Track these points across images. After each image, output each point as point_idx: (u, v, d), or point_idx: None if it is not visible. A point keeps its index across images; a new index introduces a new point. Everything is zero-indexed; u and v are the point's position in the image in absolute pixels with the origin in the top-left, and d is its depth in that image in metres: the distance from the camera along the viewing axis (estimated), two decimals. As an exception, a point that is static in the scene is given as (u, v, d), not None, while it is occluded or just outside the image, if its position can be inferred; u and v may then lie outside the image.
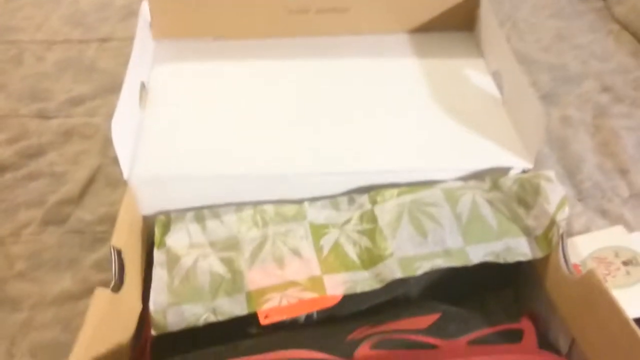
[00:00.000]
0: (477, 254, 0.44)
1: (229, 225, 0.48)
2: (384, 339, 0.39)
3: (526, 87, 0.51)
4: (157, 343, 0.44)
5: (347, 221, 0.48)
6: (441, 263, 0.44)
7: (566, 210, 0.45)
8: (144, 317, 0.44)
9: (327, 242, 0.47)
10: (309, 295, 0.43)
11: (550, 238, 0.45)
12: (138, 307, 0.44)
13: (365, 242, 0.46)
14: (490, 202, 0.47)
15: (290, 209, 0.49)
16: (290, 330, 0.42)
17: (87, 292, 0.56)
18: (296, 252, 0.46)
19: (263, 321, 0.41)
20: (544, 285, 0.46)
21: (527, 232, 0.46)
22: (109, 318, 0.38)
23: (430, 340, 0.40)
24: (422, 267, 0.44)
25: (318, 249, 0.46)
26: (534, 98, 0.50)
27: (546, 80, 0.81)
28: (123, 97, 0.47)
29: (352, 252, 0.46)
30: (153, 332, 0.42)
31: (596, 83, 0.81)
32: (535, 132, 0.50)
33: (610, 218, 0.63)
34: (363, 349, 0.38)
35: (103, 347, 0.38)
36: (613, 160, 0.70)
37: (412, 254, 0.45)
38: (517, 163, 0.50)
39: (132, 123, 0.51)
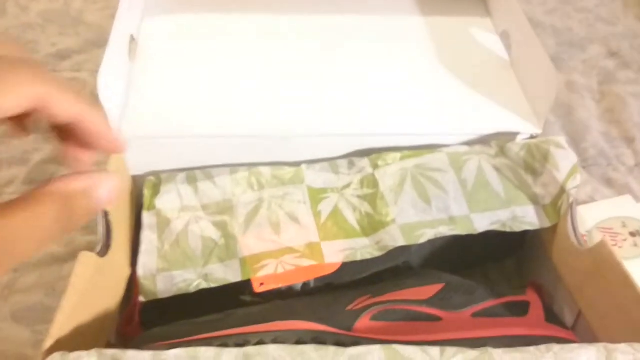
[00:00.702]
0: (482, 223, 0.42)
1: (222, 187, 0.45)
2: (385, 310, 0.37)
3: (538, 47, 0.48)
4: (147, 309, 0.42)
5: (347, 185, 0.45)
6: (445, 231, 0.42)
7: (578, 178, 0.43)
8: (133, 283, 0.42)
9: (325, 207, 0.44)
10: (306, 262, 0.40)
11: (559, 207, 0.43)
12: (126, 271, 0.41)
13: (365, 207, 0.44)
14: (497, 169, 0.45)
15: (287, 172, 0.46)
16: (286, 299, 0.40)
17: (73, 254, 0.53)
18: (293, 217, 0.43)
19: (258, 289, 0.39)
20: (551, 255, 0.45)
21: (534, 200, 0.44)
22: (95, 283, 0.36)
23: (433, 311, 0.38)
24: (425, 235, 0.42)
25: (316, 214, 0.44)
26: (546, 58, 0.47)
27: (551, 44, 0.79)
28: (110, 50, 0.44)
29: (351, 218, 0.44)
30: (142, 299, 0.40)
31: (602, 48, 0.79)
32: (545, 96, 0.47)
33: (616, 187, 0.61)
34: (363, 321, 0.36)
35: (88, 313, 0.36)
36: (619, 128, 0.68)
37: (414, 220, 0.42)
38: (525, 128, 0.48)
39: (121, 78, 0.48)
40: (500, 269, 0.51)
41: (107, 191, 0.26)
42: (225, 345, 0.32)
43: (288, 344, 0.31)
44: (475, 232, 0.42)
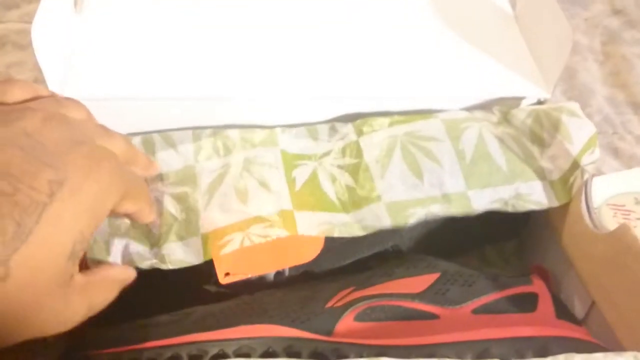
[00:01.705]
0: (481, 201, 0.37)
1: (184, 154, 0.39)
2: (372, 307, 0.32)
3: (547, -1, 0.42)
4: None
5: (327, 153, 0.39)
6: (438, 211, 0.36)
7: (596, 152, 0.37)
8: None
9: (301, 174, 0.38)
10: (276, 232, 0.34)
11: (570, 184, 0.37)
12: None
13: (346, 179, 0.38)
14: (500, 139, 0.39)
15: (258, 135, 0.40)
16: (256, 292, 0.34)
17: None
18: (263, 183, 0.37)
19: (223, 279, 0.33)
20: (559, 237, 0.39)
21: (542, 175, 0.38)
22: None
23: (428, 307, 0.32)
24: (416, 215, 0.36)
25: (290, 181, 0.38)
26: (558, 11, 0.41)
27: (551, 0, 0.72)
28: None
29: (330, 190, 0.37)
30: (88, 256, 0.34)
31: (605, 5, 0.73)
32: (555, 54, 0.41)
33: (623, 158, 0.56)
34: (346, 321, 0.31)
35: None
36: (624, 92, 0.62)
37: (403, 198, 0.37)
38: (532, 92, 0.42)
39: (63, 31, 0.41)
40: (499, 250, 0.45)
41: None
42: (177, 357, 0.26)
43: (253, 358, 0.25)
44: (472, 213, 0.36)
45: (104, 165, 0.26)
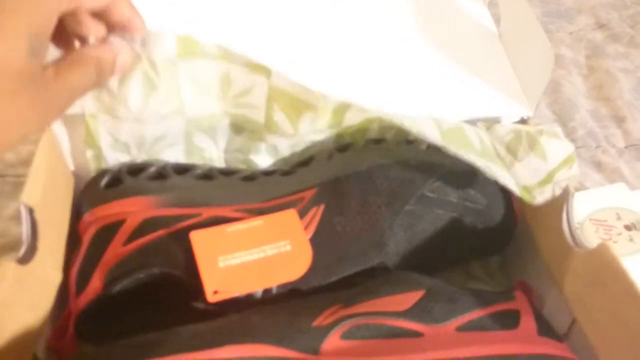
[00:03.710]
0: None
1: None
2: (358, 325, 0.32)
3: (530, 18, 0.43)
4: (83, 319, 0.36)
5: None
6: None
7: (574, 168, 0.38)
8: (66, 289, 0.36)
9: None
10: None
11: (534, 195, 0.38)
12: (57, 278, 0.36)
13: None
14: (477, 133, 0.40)
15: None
16: (243, 310, 0.34)
17: (6, 247, 0.47)
18: None
19: (211, 297, 0.34)
20: (542, 254, 0.40)
21: (511, 174, 0.39)
22: (15, 297, 0.30)
23: (413, 325, 0.33)
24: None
25: None
26: (540, 31, 0.42)
27: (536, 14, 0.73)
28: None
29: None
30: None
31: (590, 19, 0.74)
32: (538, 73, 0.42)
33: (606, 172, 0.57)
34: (332, 340, 0.31)
35: (7, 330, 0.30)
36: (608, 106, 0.64)
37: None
38: (514, 110, 0.43)
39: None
40: (484, 265, 0.46)
41: (126, 57, 0.34)
42: (165, 378, 0.27)
43: (241, 379, 0.26)
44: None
45: None
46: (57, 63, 0.30)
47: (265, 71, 0.38)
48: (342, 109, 0.39)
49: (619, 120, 0.62)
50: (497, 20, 0.49)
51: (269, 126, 0.40)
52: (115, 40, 0.34)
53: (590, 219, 0.47)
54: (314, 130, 0.40)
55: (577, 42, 0.71)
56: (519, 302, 0.36)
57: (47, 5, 0.28)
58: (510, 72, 0.45)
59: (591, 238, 0.46)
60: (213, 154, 0.42)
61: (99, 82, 0.32)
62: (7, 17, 0.26)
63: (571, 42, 0.71)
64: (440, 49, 0.47)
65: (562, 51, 0.69)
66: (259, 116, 0.40)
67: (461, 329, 0.33)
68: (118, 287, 0.36)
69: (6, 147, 0.27)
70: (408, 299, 0.34)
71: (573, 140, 0.60)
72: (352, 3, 0.50)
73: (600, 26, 0.73)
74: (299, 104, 0.38)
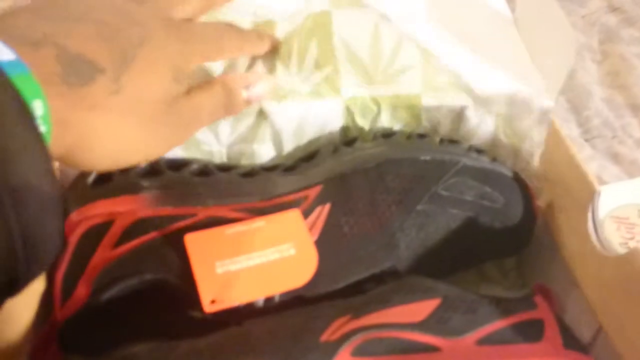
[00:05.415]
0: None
1: None
2: (369, 339, 0.29)
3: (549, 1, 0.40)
4: (69, 329, 0.33)
5: None
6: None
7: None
8: (51, 298, 0.33)
9: None
10: None
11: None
12: (38, 285, 0.33)
13: None
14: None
15: None
16: (244, 321, 0.31)
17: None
18: None
19: (208, 307, 0.31)
20: (563, 257, 0.37)
21: None
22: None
23: (429, 339, 0.30)
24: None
25: None
26: (560, 15, 0.39)
27: (547, -4, 0.70)
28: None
29: None
30: None
31: (603, 2, 0.71)
32: (558, 62, 0.39)
33: (623, 164, 0.54)
34: (342, 357, 0.28)
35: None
36: (623, 94, 0.61)
37: None
38: (536, 101, 0.40)
39: None
40: (498, 266, 0.43)
41: (261, 89, 0.36)
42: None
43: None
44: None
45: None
46: (191, 85, 0.32)
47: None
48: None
49: (636, 109, 0.59)
50: (512, 6, 0.45)
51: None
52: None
53: (611, 216, 0.44)
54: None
55: (589, 26, 0.68)
56: (542, 311, 0.34)
57: (184, 60, 0.31)
58: (527, 60, 0.42)
59: (612, 236, 0.43)
60: (213, 147, 0.39)
61: (228, 108, 0.34)
62: (157, 54, 0.29)
63: (583, 26, 0.68)
64: (451, 35, 0.43)
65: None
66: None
67: (482, 342, 0.30)
68: (107, 295, 0.33)
69: (131, 163, 0.30)
70: (423, 308, 0.32)
71: (588, 131, 0.57)
72: None
73: (614, 9, 0.69)
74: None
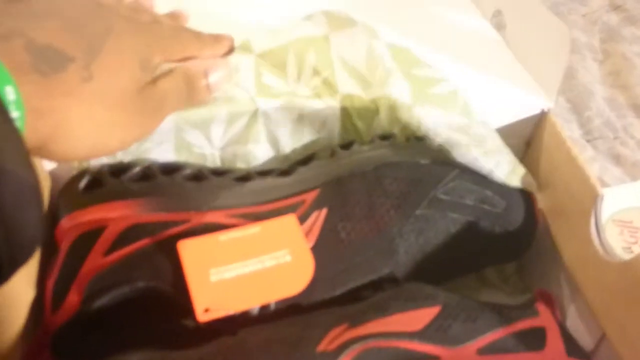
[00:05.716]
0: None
1: None
2: (368, 349, 0.29)
3: (538, 6, 0.39)
4: (62, 336, 0.32)
5: None
6: None
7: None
8: (41, 305, 0.32)
9: None
10: None
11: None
12: (28, 293, 0.32)
13: None
14: None
15: None
16: (238, 331, 0.31)
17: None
18: None
19: (202, 317, 0.30)
20: (565, 262, 0.37)
21: None
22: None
23: (429, 348, 0.29)
24: None
25: None
26: (551, 17, 0.38)
27: (547, -5, 0.69)
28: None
29: None
30: None
31: (604, 0, 0.70)
32: (552, 60, 0.39)
33: (625, 165, 0.53)
34: (340, 368, 0.28)
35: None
36: (625, 94, 0.60)
37: None
38: (533, 103, 0.39)
39: None
40: (498, 269, 0.42)
41: (218, 76, 0.35)
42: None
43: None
44: None
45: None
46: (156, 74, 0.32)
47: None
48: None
49: (638, 109, 0.58)
50: (502, 30, 0.45)
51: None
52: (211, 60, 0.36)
53: (613, 220, 0.43)
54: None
55: (590, 24, 0.67)
56: (544, 318, 0.33)
57: (148, 55, 0.31)
58: (519, 68, 0.42)
59: (615, 241, 0.42)
60: (205, 150, 0.38)
61: (190, 95, 0.34)
62: (123, 43, 0.30)
63: (584, 25, 0.67)
64: (450, 62, 0.42)
65: (575, 35, 0.65)
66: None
67: (483, 351, 0.30)
68: (98, 303, 0.32)
69: (108, 151, 0.30)
70: (422, 316, 0.31)
71: (589, 131, 0.56)
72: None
73: (615, 7, 0.69)
74: None
